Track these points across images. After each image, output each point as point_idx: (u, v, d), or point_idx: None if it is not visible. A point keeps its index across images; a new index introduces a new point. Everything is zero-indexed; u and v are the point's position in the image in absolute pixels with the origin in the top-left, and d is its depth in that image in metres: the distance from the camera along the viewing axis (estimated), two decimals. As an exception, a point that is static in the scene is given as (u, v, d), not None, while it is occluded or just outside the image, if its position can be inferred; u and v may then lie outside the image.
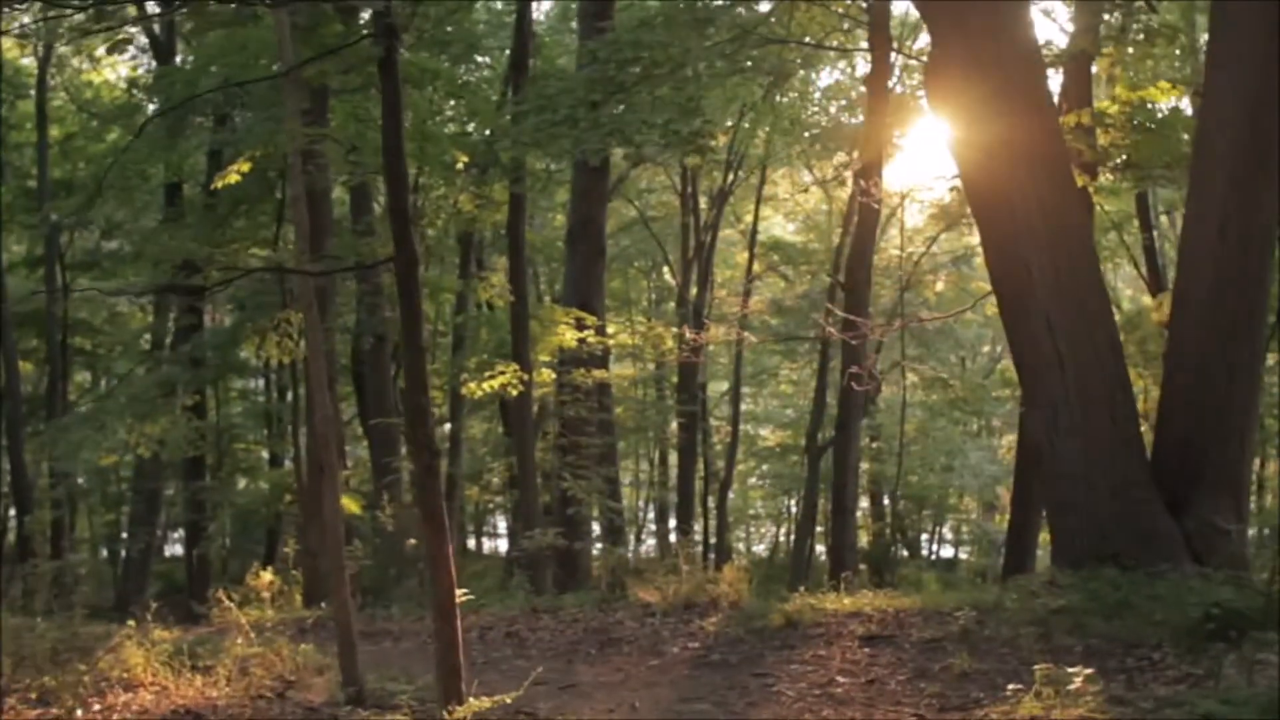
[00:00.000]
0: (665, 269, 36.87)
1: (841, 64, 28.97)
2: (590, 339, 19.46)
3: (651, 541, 40.03)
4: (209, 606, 12.06)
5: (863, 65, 28.70)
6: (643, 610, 13.00)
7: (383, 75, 6.37)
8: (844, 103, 29.02)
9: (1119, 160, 14.69)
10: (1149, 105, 15.29)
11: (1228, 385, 12.21)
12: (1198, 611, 9.52)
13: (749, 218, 32.02)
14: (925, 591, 14.75)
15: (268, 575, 18.82)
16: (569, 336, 19.41)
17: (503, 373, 16.91)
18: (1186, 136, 14.51)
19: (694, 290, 31.35)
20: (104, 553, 35.71)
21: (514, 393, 17.07)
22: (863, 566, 27.33)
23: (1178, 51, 15.93)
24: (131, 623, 10.72)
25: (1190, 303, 12.52)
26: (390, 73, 6.41)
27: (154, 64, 26.80)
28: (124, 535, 30.99)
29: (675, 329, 22.94)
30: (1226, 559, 11.80)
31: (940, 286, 32.33)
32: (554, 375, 21.08)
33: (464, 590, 7.05)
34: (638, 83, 13.63)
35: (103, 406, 25.58)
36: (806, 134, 30.57)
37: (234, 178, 13.68)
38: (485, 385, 17.30)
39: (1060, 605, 10.88)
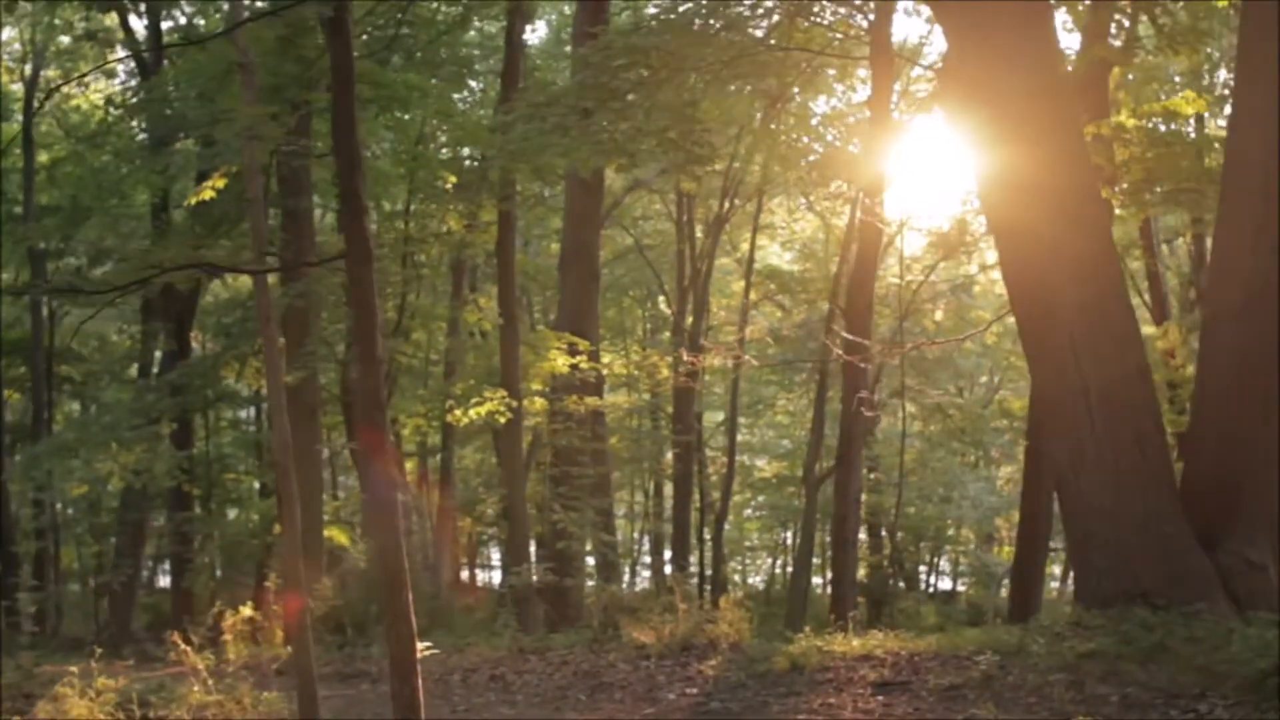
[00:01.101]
0: (661, 299, 35.84)
1: (840, 87, 27.94)
2: (583, 365, 18.37)
3: (647, 574, 38.89)
4: (165, 649, 10.96)
5: (861, 91, 27.90)
6: (637, 652, 11.92)
7: (331, 38, 5.38)
8: (843, 129, 27.96)
9: (1135, 179, 13.60)
10: (1162, 126, 14.32)
11: (1263, 410, 11.14)
12: (1257, 659, 8.44)
13: (745, 245, 30.96)
14: (940, 633, 13.65)
15: (245, 611, 17.74)
16: (561, 362, 18.33)
17: (490, 399, 15.85)
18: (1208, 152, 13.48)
19: (690, 319, 30.27)
20: (92, 584, 34.49)
21: (502, 420, 16.01)
22: (861, 599, 26.28)
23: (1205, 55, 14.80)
24: (74, 668, 9.62)
25: (1222, 322, 11.48)
26: (340, 35, 5.42)
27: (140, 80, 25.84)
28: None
29: (671, 356, 21.84)
30: (1263, 598, 10.74)
31: (940, 315, 31.31)
32: (546, 403, 19.96)
33: (426, 644, 6.02)
34: (632, 89, 12.64)
35: (78, 434, 24.46)
36: (804, 161, 29.63)
37: (208, 193, 12.81)
38: (473, 412, 16.25)
39: (1090, 649, 9.82)
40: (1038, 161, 11.19)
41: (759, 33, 21.55)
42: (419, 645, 5.67)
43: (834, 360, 17.04)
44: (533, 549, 23.95)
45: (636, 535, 40.58)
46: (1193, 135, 14.44)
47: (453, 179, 17.65)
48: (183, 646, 9.98)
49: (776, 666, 10.70)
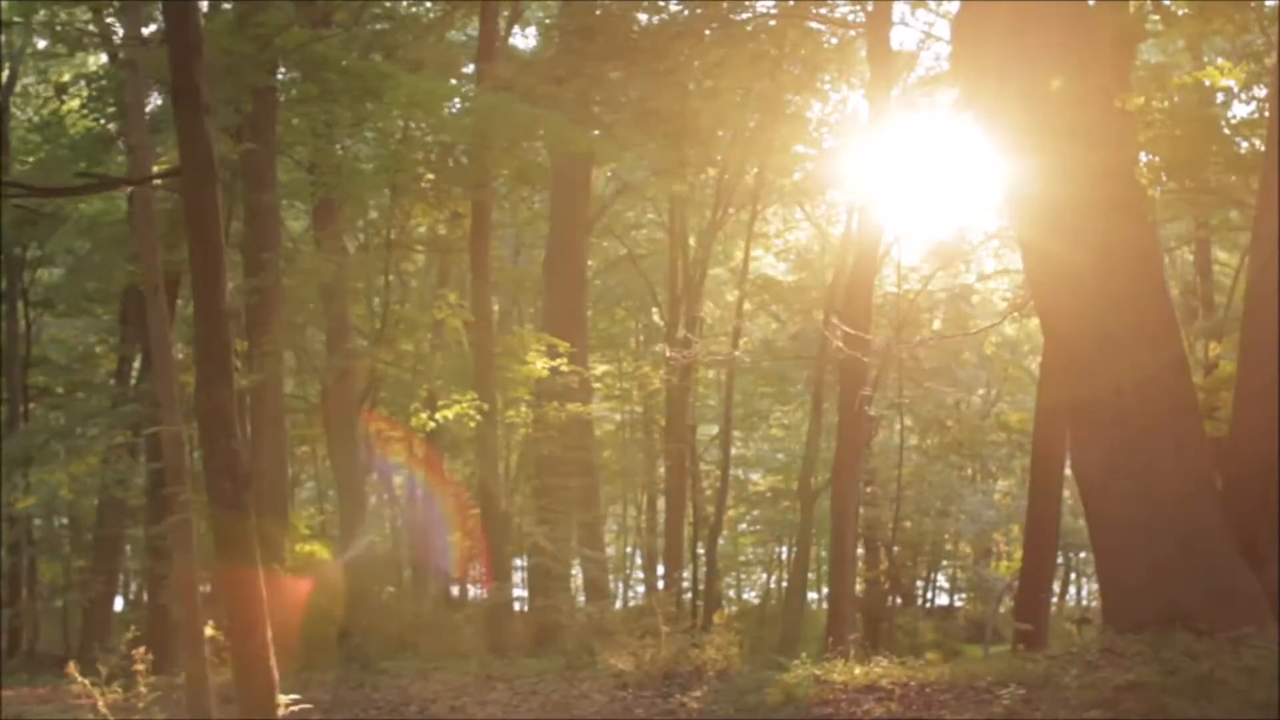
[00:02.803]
0: (655, 311, 34.28)
1: (836, 96, 26.54)
2: (564, 368, 16.78)
3: (640, 589, 37.26)
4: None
5: (857, 103, 26.54)
6: (613, 680, 10.39)
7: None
8: (839, 135, 26.52)
9: (1159, 165, 12.05)
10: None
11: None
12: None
13: (739, 254, 29.45)
14: (939, 650, 12.14)
15: (208, 630, 16.23)
16: (540, 365, 16.76)
17: (460, 402, 14.32)
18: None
19: (683, 330, 28.69)
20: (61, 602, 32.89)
21: (471, 425, 14.49)
22: (858, 615, 24.70)
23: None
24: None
25: (1262, 313, 9.95)
26: None
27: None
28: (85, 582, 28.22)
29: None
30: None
31: (937, 325, 29.86)
32: (525, 410, 18.36)
33: (293, 697, 4.53)
34: (609, 56, 11.16)
35: (33, 444, 22.95)
36: (798, 172, 28.30)
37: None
38: (440, 414, 14.71)
39: (1129, 680, 8.30)
40: (1063, 137, 9.73)
41: (750, 28, 20.27)
42: (282, 700, 4.18)
43: (833, 351, 15.42)
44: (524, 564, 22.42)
45: (629, 550, 38.92)
46: (1231, 120, 12.81)
47: (430, 175, 16.20)
48: (80, 678, 8.43)
49: (769, 699, 9.19)
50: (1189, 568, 9.39)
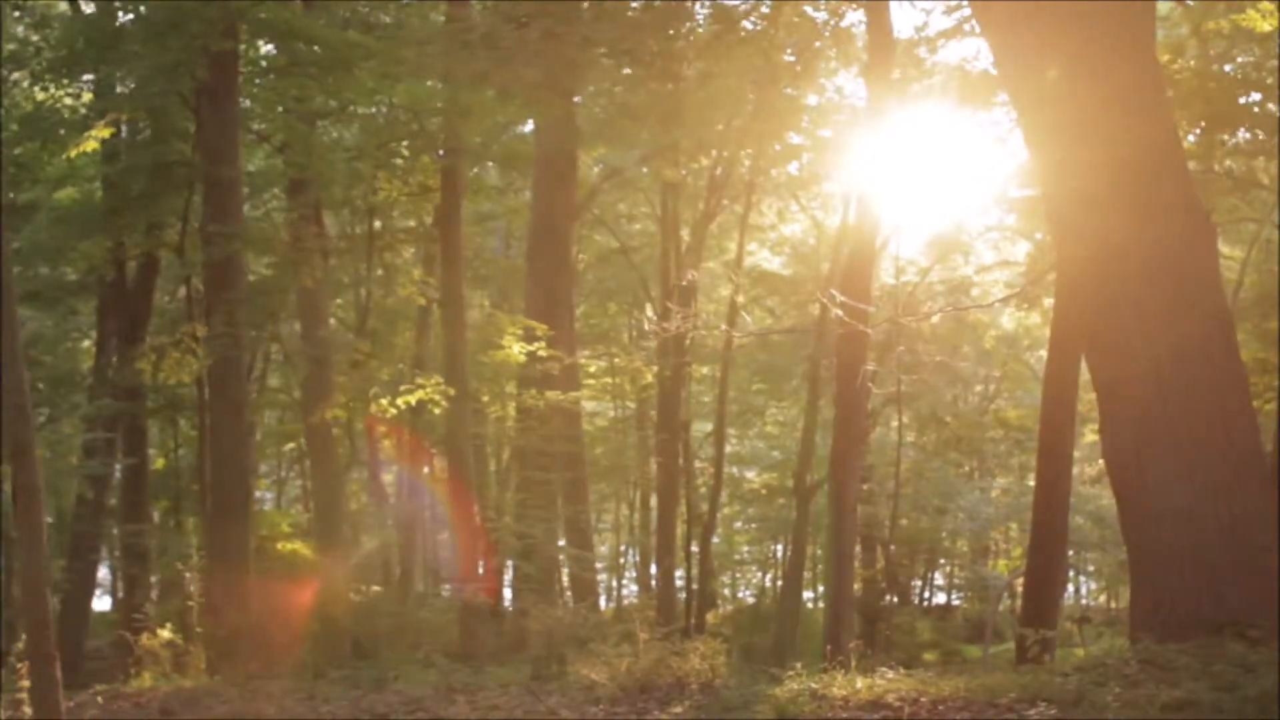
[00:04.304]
0: (648, 306, 32.86)
1: (832, 85, 25.11)
2: (543, 352, 15.30)
3: (634, 588, 35.87)
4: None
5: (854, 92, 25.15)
6: (584, 694, 8.97)
7: None
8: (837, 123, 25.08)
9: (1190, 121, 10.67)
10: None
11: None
12: None
13: (733, 246, 28.03)
14: (953, 660, 10.76)
15: (163, 634, 14.84)
16: (517, 351, 15.30)
17: (424, 386, 12.92)
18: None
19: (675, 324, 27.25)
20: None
21: (436, 411, 13.09)
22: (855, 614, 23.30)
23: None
24: None
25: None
26: None
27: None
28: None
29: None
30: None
31: (936, 319, 28.40)
32: (510, 406, 16.91)
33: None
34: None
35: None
36: (794, 164, 26.96)
37: (93, 145, 10.12)
38: (401, 400, 13.31)
39: (1177, 698, 6.91)
40: (1097, 102, 8.37)
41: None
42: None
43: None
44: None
45: (623, 548, 37.51)
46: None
47: (405, 151, 14.88)
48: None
49: (758, 716, 7.79)
50: (1238, 563, 8.02)
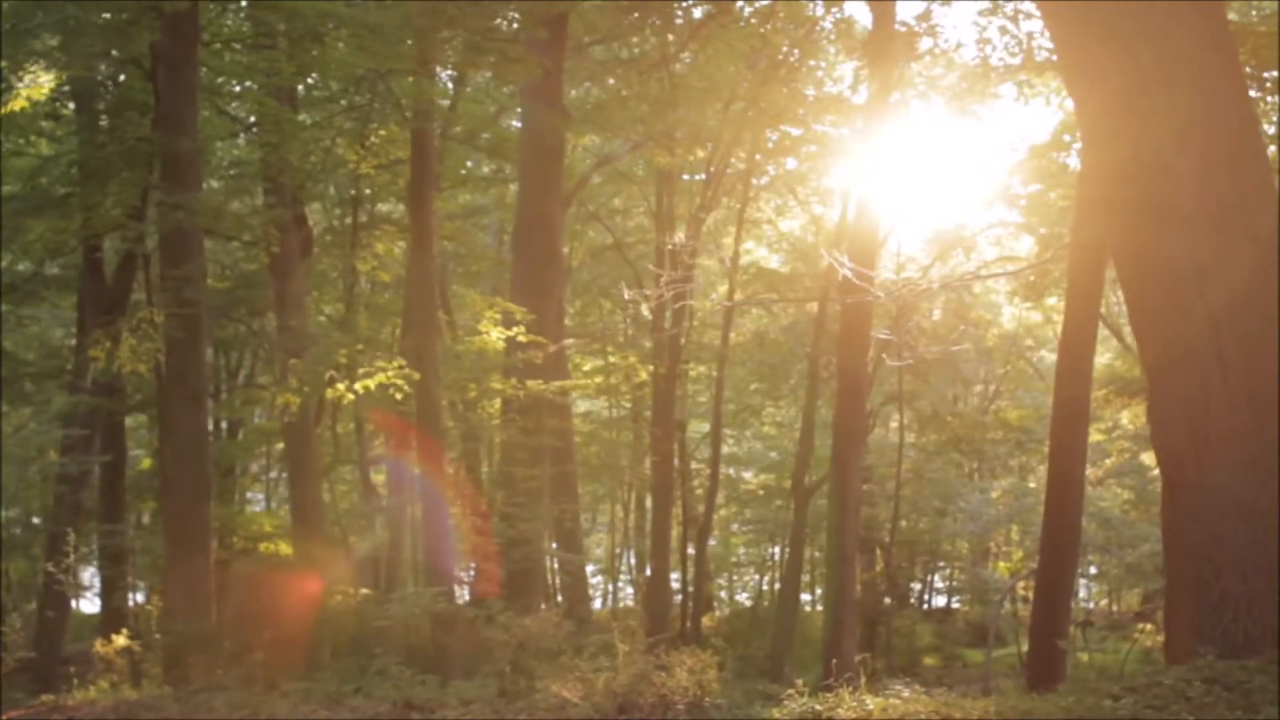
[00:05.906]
0: (643, 305, 31.54)
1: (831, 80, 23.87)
2: (522, 338, 13.95)
3: (629, 591, 34.57)
4: None
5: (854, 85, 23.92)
6: (554, 713, 7.67)
7: None
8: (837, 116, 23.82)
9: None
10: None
11: None
12: None
13: (729, 241, 26.75)
14: (954, 663, 9.49)
15: (118, 641, 13.55)
16: (495, 337, 13.96)
17: (385, 369, 11.63)
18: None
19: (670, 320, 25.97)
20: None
21: (399, 396, 11.79)
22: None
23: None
24: None
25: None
26: None
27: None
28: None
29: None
30: None
31: (937, 315, 27.27)
32: (484, 394, 15.56)
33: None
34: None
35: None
36: (791, 159, 25.81)
37: (21, 103, 8.85)
38: (360, 385, 12.01)
39: (1256, 727, 5.62)
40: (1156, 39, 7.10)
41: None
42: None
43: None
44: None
45: (619, 550, 36.16)
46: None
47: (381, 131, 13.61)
48: None
49: (754, 744, 6.50)
50: (1311, 567, 6.73)
